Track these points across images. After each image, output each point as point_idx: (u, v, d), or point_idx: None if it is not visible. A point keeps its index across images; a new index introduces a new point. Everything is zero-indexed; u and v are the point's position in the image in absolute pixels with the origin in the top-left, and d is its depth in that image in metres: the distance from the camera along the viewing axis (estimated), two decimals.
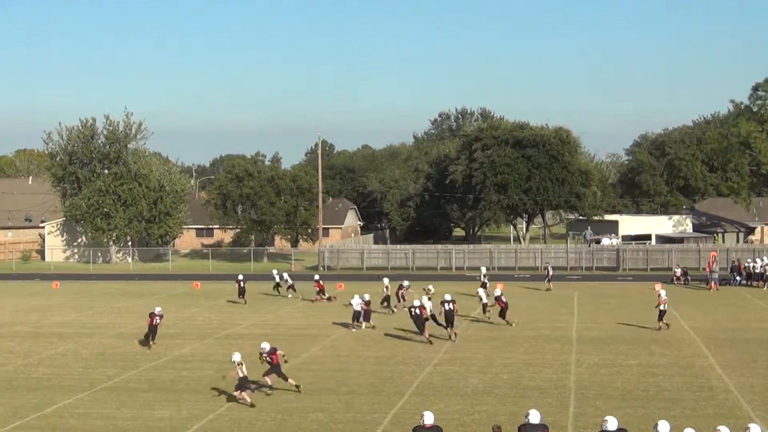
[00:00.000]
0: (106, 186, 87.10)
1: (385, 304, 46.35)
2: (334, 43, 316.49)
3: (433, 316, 37.74)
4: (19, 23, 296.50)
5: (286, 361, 28.49)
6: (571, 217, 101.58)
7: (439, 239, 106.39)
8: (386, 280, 48.19)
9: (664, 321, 39.00)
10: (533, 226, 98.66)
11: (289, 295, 53.84)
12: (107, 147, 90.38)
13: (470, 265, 74.85)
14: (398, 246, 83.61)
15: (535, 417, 17.74)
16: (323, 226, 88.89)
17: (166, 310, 48.03)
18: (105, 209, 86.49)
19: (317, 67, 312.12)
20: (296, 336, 39.15)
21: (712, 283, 56.89)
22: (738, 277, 59.42)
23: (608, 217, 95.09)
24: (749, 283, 58.50)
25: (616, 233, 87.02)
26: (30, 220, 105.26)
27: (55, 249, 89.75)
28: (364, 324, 40.55)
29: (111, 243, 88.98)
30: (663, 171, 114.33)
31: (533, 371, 30.31)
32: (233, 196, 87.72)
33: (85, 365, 32.71)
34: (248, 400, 25.85)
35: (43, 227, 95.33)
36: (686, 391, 27.06)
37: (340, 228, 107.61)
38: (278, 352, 27.68)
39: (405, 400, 26.42)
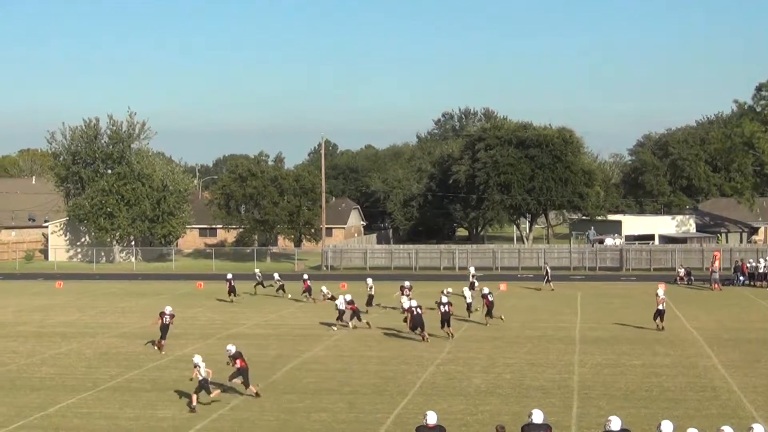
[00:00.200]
0: (109, 186, 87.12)
1: (370, 304, 46.46)
2: (337, 43, 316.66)
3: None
4: (22, 23, 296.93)
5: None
6: (575, 217, 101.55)
7: (442, 239, 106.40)
8: (370, 281, 48.57)
9: (662, 321, 38.88)
10: (536, 226, 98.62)
11: (284, 296, 53.88)
12: (110, 147, 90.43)
13: (473, 265, 74.73)
14: (401, 246, 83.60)
15: (538, 417, 17.72)
16: (326, 226, 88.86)
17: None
18: (108, 209, 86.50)
19: (320, 67, 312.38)
20: (299, 336, 39.16)
21: (715, 283, 56.88)
22: (741, 278, 59.38)
23: (611, 217, 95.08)
24: (752, 283, 58.47)
25: (620, 233, 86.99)
26: (33, 220, 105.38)
27: (59, 249, 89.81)
28: (351, 324, 40.45)
29: (114, 243, 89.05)
30: (666, 171, 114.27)
31: (536, 371, 30.30)
32: (236, 196, 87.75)
33: (89, 365, 32.72)
34: (194, 402, 25.52)
35: (47, 227, 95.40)
36: (689, 391, 27.04)
37: (344, 228, 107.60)
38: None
39: (408, 399, 26.42)
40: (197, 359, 26.31)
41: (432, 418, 17.90)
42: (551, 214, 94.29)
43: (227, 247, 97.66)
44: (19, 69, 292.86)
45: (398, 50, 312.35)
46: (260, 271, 57.31)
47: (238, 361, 26.94)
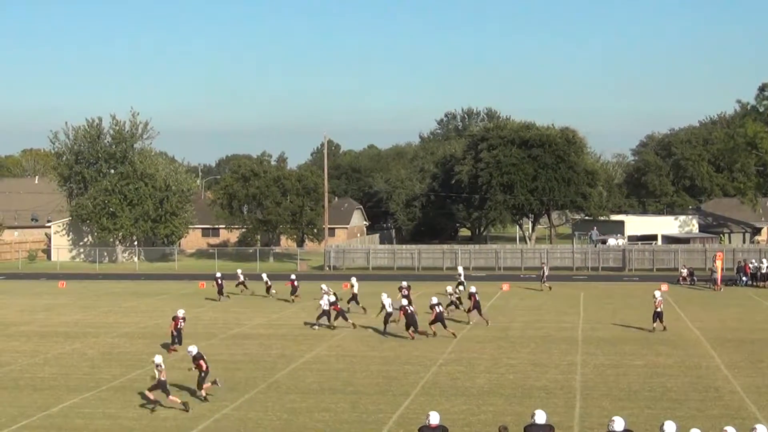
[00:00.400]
0: (112, 186, 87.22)
1: (354, 303, 46.54)
2: (340, 43, 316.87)
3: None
4: (25, 24, 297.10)
5: (190, 369, 27.94)
6: (577, 217, 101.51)
7: (444, 239, 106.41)
8: (353, 279, 48.92)
9: (661, 323, 38.71)
10: (539, 226, 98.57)
11: (270, 296, 54.04)
12: (113, 147, 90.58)
13: (476, 265, 74.86)
14: (404, 246, 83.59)
15: (540, 417, 17.71)
16: (329, 226, 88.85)
17: (172, 310, 48.19)
18: (111, 209, 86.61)
19: (323, 67, 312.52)
20: (301, 336, 39.15)
21: (716, 283, 56.86)
22: (744, 278, 59.35)
23: (614, 217, 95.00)
24: (755, 283, 58.43)
25: (622, 233, 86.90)
26: (36, 220, 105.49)
27: (62, 248, 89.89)
28: (335, 323, 40.63)
29: (117, 242, 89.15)
30: (669, 171, 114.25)
31: (539, 371, 30.28)
32: (239, 196, 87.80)
33: (91, 365, 32.72)
34: (151, 397, 25.50)
35: (50, 227, 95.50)
36: (692, 392, 27.01)
37: (346, 228, 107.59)
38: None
39: (411, 400, 26.41)
40: (158, 359, 26.16)
41: (434, 419, 17.88)
42: (554, 214, 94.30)
43: (230, 248, 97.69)
44: (22, 69, 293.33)
45: (401, 50, 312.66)
46: (242, 271, 57.42)
47: (200, 363, 26.80)
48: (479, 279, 62.95)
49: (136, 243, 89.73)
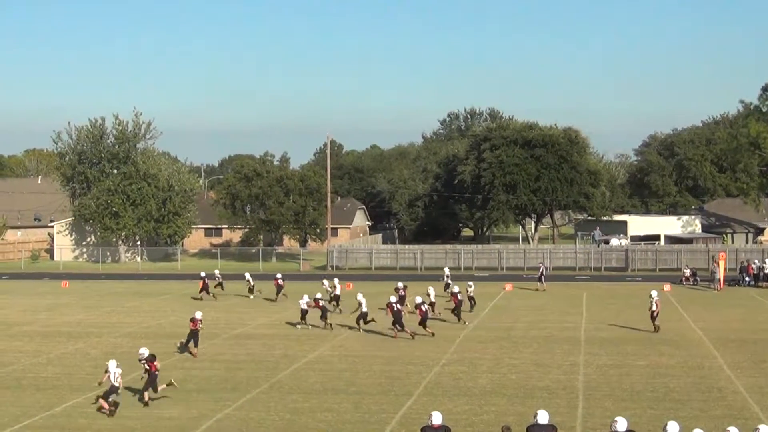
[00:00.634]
0: (115, 185, 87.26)
1: (334, 303, 46.90)
2: (342, 44, 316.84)
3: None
4: (27, 24, 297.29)
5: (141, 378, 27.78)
6: (580, 217, 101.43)
7: (447, 239, 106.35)
8: (336, 280, 49.32)
9: (653, 322, 38.78)
10: (542, 226, 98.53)
11: (251, 296, 54.25)
12: (116, 147, 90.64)
13: (479, 265, 74.87)
14: (407, 246, 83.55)
15: (543, 417, 17.71)
16: (332, 226, 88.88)
17: (175, 310, 48.45)
18: (114, 209, 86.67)
19: (325, 68, 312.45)
20: (304, 335, 39.16)
21: (719, 283, 56.87)
22: (747, 278, 59.32)
23: (617, 217, 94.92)
24: (758, 283, 58.42)
25: (625, 233, 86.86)
26: (39, 220, 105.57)
27: (64, 248, 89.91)
28: (324, 323, 40.78)
29: (120, 242, 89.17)
30: (672, 171, 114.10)
31: (542, 372, 30.27)
32: (242, 196, 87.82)
33: (94, 364, 32.69)
34: (105, 407, 25.16)
35: (52, 227, 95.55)
36: (695, 392, 27.00)
37: (349, 228, 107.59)
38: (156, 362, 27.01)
39: (413, 400, 26.41)
40: (112, 365, 25.90)
41: (437, 419, 17.89)
42: (557, 215, 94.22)
43: (233, 247, 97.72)
44: (24, 70, 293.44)
45: (403, 50, 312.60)
46: (219, 272, 57.60)
47: (150, 365, 26.69)
48: (482, 279, 63.01)
49: (138, 243, 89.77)
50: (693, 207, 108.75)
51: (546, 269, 60.30)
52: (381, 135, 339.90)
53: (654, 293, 39.48)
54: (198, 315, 35.16)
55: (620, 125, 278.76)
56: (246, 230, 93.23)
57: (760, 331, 39.02)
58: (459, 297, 42.41)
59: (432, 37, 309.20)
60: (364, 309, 39.86)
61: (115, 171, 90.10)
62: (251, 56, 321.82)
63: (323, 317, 40.77)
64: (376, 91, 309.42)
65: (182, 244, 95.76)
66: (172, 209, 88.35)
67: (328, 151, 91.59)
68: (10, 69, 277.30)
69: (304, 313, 41.17)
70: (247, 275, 55.98)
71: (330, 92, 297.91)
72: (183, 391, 27.82)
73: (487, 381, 28.95)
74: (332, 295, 47.76)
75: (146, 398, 26.34)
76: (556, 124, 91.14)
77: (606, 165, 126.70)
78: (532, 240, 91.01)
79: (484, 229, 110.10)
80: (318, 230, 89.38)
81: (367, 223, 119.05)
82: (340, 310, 45.86)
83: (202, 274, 55.21)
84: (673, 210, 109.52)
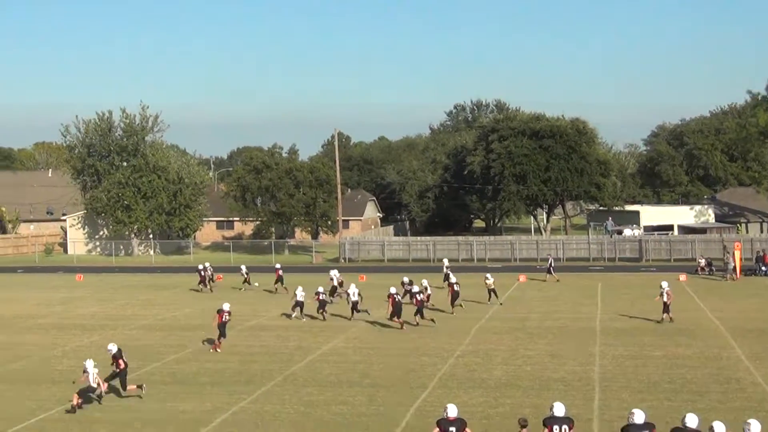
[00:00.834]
0: (125, 178, 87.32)
1: (334, 295, 47.22)
2: (343, 42, 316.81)
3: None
4: (33, 19, 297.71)
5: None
6: (592, 207, 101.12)
7: (459, 231, 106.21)
8: (333, 272, 49.86)
9: (668, 314, 38.50)
10: (554, 217, 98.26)
11: (242, 289, 54.33)
12: (125, 139, 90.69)
13: (492, 256, 74.74)
14: (419, 238, 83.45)
15: (559, 409, 17.59)
16: (343, 218, 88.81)
17: (189, 303, 48.41)
18: (125, 202, 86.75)
19: (332, 61, 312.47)
20: (318, 327, 39.10)
21: (732, 273, 56.62)
22: (764, 268, 59.02)
23: (629, 207, 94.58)
24: None
25: (638, 224, 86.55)
26: (51, 213, 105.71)
27: (77, 242, 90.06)
28: (323, 315, 41.19)
29: (132, 236, 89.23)
30: (682, 161, 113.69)
31: (557, 363, 30.12)
32: (252, 188, 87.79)
33: (109, 357, 32.61)
34: (75, 401, 24.87)
35: (65, 220, 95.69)
36: (713, 383, 26.79)
37: (360, 220, 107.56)
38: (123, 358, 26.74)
39: (428, 392, 26.31)
40: (89, 365, 25.61)
41: (452, 411, 17.81)
42: (568, 205, 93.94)
43: (245, 240, 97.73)
44: (32, 64, 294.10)
45: (412, 43, 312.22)
46: (246, 267, 57.59)
47: (119, 362, 26.45)
48: (495, 270, 62.78)
49: (151, 236, 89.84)
50: (705, 196, 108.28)
51: (554, 260, 59.98)
52: (388, 127, 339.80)
53: (665, 284, 39.18)
54: (225, 306, 34.37)
55: (627, 116, 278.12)
56: (257, 223, 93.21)
57: None
58: (456, 288, 42.47)
59: (437, 30, 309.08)
60: (354, 299, 40.90)
61: (125, 164, 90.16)
62: (258, 49, 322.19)
63: (320, 309, 41.23)
64: (380, 89, 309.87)
65: (194, 236, 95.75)
66: (183, 202, 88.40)
67: (336, 143, 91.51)
68: (19, 64, 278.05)
69: (300, 304, 41.43)
70: (243, 268, 56.32)
71: (335, 89, 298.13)
72: (197, 384, 27.80)
73: (503, 373, 28.82)
74: (331, 287, 47.77)
75: (133, 392, 26.09)
76: (563, 115, 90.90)
77: (615, 155, 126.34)
78: (545, 231, 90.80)
79: (496, 220, 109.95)
80: (329, 222, 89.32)
81: (378, 214, 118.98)
82: (332, 300, 45.71)
83: (200, 266, 55.56)
84: (685, 200, 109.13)
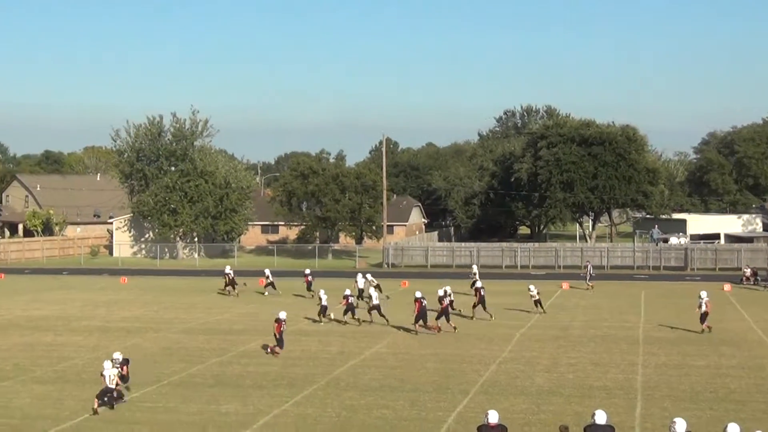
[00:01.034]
0: (172, 183, 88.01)
1: (362, 298, 47.38)
2: (398, 42, 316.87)
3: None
4: (86, 24, 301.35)
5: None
6: (638, 215, 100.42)
7: (503, 237, 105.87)
8: (359, 276, 50.24)
9: (707, 324, 38.01)
10: (600, 224, 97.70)
11: (266, 293, 54.66)
12: (174, 144, 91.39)
13: (536, 263, 74.46)
14: (463, 244, 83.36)
15: (601, 417, 17.49)
16: (388, 223, 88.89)
17: (232, 307, 48.65)
18: (172, 205, 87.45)
19: (381, 67, 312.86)
20: (360, 333, 39.17)
21: None
22: None
23: (676, 215, 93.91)
24: None
25: (684, 232, 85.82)
26: (98, 216, 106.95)
27: (123, 244, 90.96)
28: (346, 317, 41.55)
29: (177, 239, 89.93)
30: (732, 169, 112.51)
31: (599, 371, 29.95)
32: (298, 194, 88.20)
33: (152, 360, 32.97)
34: (96, 405, 25.01)
35: (111, 223, 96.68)
36: (757, 393, 26.51)
37: (405, 225, 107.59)
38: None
39: (469, 398, 26.27)
40: (107, 366, 25.83)
41: (494, 417, 17.74)
42: (615, 213, 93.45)
43: (289, 244, 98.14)
44: (84, 68, 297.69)
45: (462, 48, 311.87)
46: (270, 271, 57.81)
47: (124, 368, 26.86)
48: (539, 278, 62.61)
49: (196, 239, 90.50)
50: (753, 205, 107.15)
51: (593, 267, 59.51)
52: (436, 133, 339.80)
53: (704, 294, 38.62)
54: (282, 315, 34.27)
55: (679, 123, 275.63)
56: (302, 227, 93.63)
57: None
58: (482, 293, 42.42)
59: (488, 34, 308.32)
60: (375, 302, 41.70)
61: (173, 168, 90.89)
62: (308, 55, 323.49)
63: (347, 312, 41.53)
64: (432, 90, 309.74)
65: (239, 240, 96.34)
66: (229, 206, 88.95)
67: (383, 149, 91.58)
68: (71, 68, 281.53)
69: (324, 309, 41.85)
70: (267, 271, 56.62)
71: (384, 94, 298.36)
72: (240, 387, 27.97)
73: (545, 380, 28.71)
74: (359, 290, 48.00)
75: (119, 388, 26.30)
76: (613, 122, 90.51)
77: (664, 163, 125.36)
78: (590, 238, 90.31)
79: (541, 227, 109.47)
80: (374, 227, 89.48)
81: (423, 220, 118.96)
82: (357, 303, 45.62)
83: (227, 269, 55.99)
84: (733, 208, 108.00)
